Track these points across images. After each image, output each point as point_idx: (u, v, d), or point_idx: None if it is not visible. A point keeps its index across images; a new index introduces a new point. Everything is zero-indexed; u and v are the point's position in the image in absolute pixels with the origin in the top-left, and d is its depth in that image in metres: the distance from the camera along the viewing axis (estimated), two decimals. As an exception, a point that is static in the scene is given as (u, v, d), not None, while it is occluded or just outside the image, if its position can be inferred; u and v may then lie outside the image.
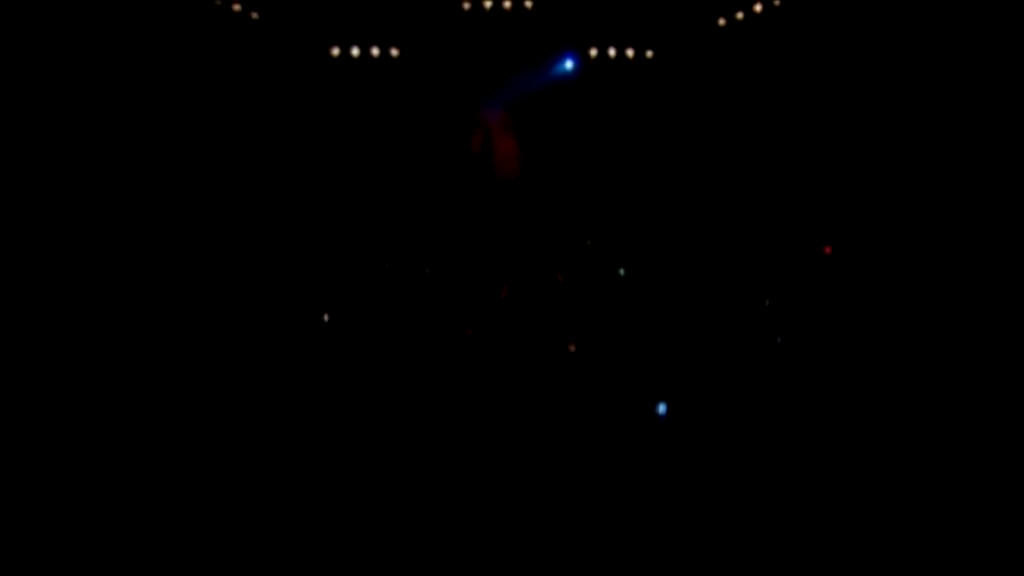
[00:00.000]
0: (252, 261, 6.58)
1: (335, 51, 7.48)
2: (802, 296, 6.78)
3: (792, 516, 3.76)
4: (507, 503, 3.61)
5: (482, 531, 3.40)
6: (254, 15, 7.01)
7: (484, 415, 4.82)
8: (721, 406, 5.28)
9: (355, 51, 7.49)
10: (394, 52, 7.51)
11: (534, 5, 7.20)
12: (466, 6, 7.19)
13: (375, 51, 7.51)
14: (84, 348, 4.63)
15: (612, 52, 7.62)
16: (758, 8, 7.14)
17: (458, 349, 6.01)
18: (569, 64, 7.44)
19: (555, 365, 5.87)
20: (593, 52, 7.61)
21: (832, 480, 4.11)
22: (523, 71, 7.32)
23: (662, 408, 4.94)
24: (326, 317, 6.78)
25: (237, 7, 6.88)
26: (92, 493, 3.53)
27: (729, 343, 6.54)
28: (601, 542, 3.48)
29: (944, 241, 5.74)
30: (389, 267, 7.25)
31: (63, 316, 4.93)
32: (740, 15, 7.21)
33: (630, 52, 7.64)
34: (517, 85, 7.28)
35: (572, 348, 6.29)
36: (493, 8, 7.20)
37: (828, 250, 6.95)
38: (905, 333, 5.67)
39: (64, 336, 4.79)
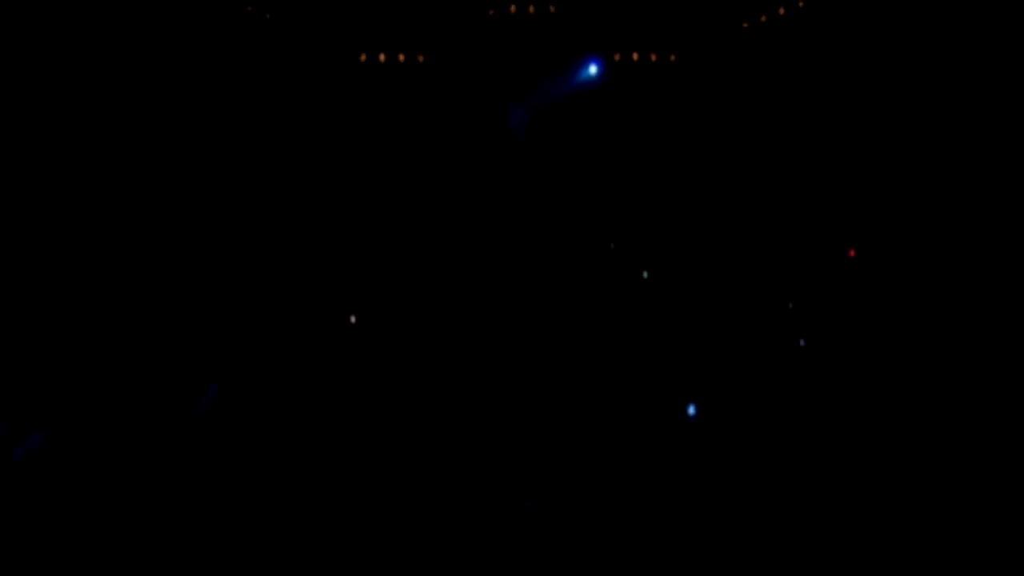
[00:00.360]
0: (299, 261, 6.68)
1: (363, 57, 7.59)
2: (826, 299, 6.78)
3: (815, 517, 3.80)
4: (545, 501, 3.67)
5: (522, 528, 3.47)
6: (284, 23, 7.13)
7: (515, 416, 4.87)
8: (746, 408, 5.30)
9: (382, 57, 7.58)
10: (420, 58, 7.60)
11: (558, 10, 7.26)
12: (491, 12, 7.27)
13: (401, 57, 7.61)
14: (106, 349, 4.68)
15: (636, 56, 7.66)
16: (782, 11, 7.15)
17: (489, 350, 6.08)
18: (593, 69, 7.48)
19: (584, 366, 5.91)
20: (617, 57, 7.65)
21: (856, 481, 4.13)
22: (549, 77, 7.37)
23: (691, 409, 4.98)
24: (353, 318, 6.87)
25: (268, 15, 7.01)
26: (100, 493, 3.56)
27: (753, 346, 6.54)
28: (635, 540, 3.54)
29: (973, 244, 5.72)
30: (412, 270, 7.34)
31: (90, 316, 5.00)
32: (764, 18, 7.22)
33: (653, 56, 7.67)
34: (544, 91, 7.34)
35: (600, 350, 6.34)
36: (518, 13, 7.27)
37: (852, 253, 6.95)
38: (930, 337, 5.66)
39: (84, 337, 4.82)
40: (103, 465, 3.46)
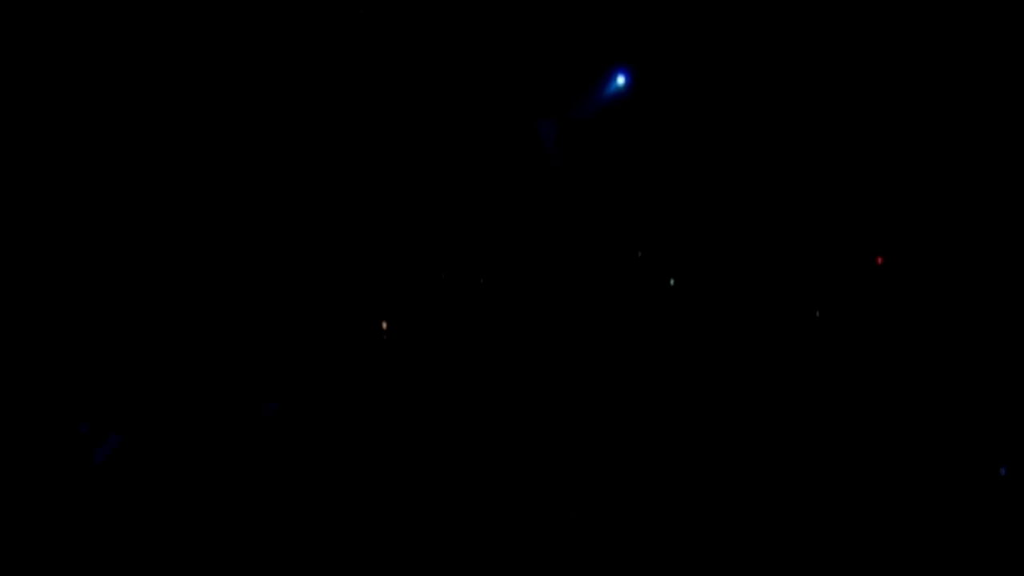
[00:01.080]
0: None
1: (391, 69, 7.70)
2: (854, 309, 6.80)
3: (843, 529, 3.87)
4: (590, 508, 3.78)
5: (568, 535, 3.58)
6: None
7: (555, 424, 4.97)
8: (772, 416, 5.37)
9: (409, 69, 7.69)
10: (445, 71, 7.70)
11: (584, 23, 7.34)
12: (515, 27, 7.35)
13: (428, 70, 7.72)
14: (182, 359, 4.80)
15: (662, 66, 7.72)
16: (810, 21, 7.18)
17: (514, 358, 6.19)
18: (621, 80, 7.55)
19: (613, 374, 6.00)
20: (643, 67, 7.71)
21: (883, 494, 4.19)
22: (579, 90, 7.46)
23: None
24: (384, 325, 6.99)
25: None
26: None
27: (779, 355, 6.58)
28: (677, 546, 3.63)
29: (1013, 250, 5.70)
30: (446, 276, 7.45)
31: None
32: (789, 28, 7.26)
33: (680, 66, 7.73)
34: (577, 106, 7.42)
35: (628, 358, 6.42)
36: (543, 26, 7.36)
37: (880, 260, 6.98)
38: (963, 349, 5.67)
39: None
40: (178, 468, 3.60)
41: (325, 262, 6.76)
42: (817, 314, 7.02)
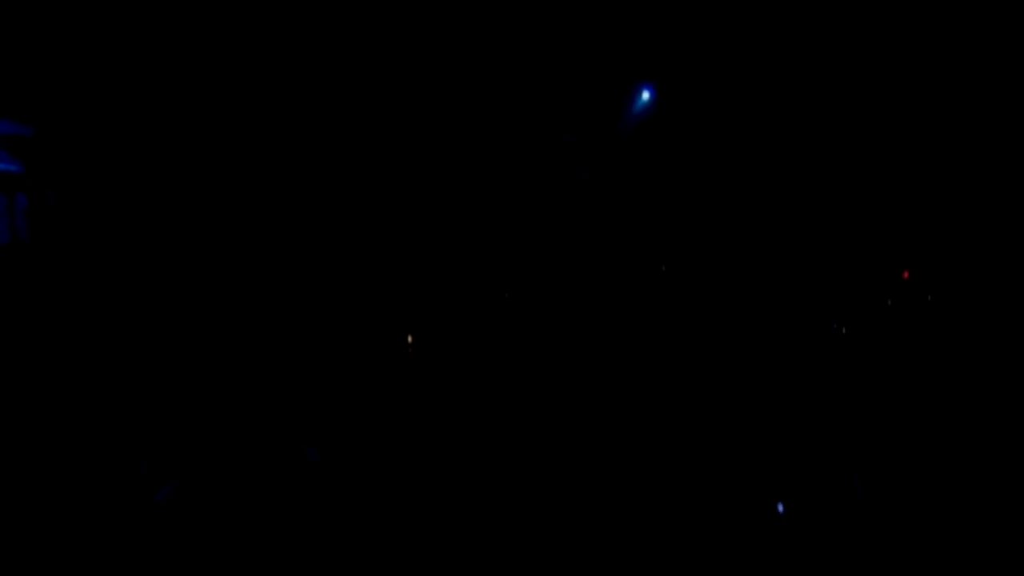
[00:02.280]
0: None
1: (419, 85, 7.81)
2: (878, 323, 6.78)
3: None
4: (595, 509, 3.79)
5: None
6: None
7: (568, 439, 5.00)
8: (796, 429, 5.36)
9: (432, 86, 7.79)
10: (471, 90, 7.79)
11: (608, 40, 7.42)
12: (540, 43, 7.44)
13: (458, 87, 7.82)
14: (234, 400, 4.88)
15: (685, 81, 7.76)
16: (831, 35, 7.20)
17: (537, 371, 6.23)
18: (646, 95, 7.60)
19: (639, 388, 6.02)
20: (667, 82, 7.76)
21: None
22: (609, 110, 7.53)
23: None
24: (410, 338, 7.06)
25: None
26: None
27: (805, 369, 6.56)
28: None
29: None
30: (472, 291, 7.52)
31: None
32: (810, 41, 7.28)
33: (703, 81, 7.77)
34: (608, 123, 7.50)
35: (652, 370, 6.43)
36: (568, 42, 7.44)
37: (906, 275, 6.96)
38: (992, 360, 5.64)
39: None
40: (234, 507, 3.64)
41: (359, 284, 6.86)
42: (844, 330, 7.01)
